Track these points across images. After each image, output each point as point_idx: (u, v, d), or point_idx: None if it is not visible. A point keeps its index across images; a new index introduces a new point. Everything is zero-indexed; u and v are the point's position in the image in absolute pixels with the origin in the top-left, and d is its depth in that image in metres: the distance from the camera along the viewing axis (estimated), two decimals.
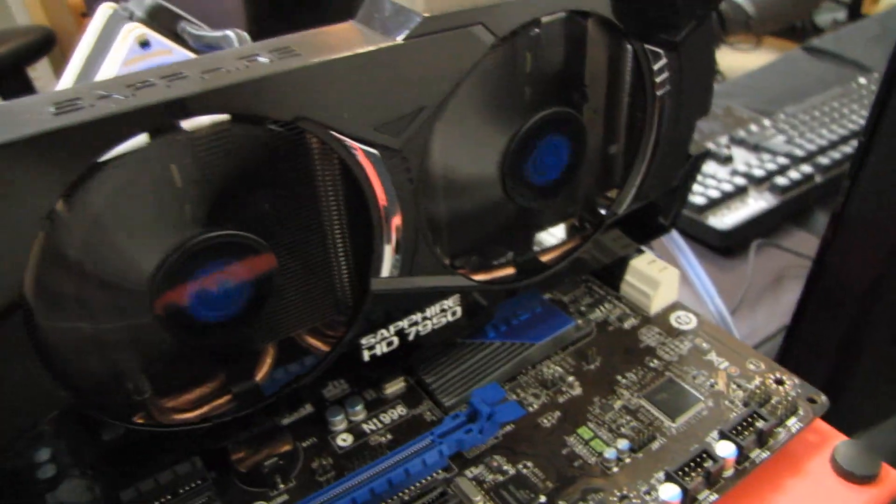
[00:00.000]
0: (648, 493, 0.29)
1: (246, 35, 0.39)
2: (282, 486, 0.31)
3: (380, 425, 0.34)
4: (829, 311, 0.43)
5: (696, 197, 0.98)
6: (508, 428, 0.33)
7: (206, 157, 0.25)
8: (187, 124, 0.24)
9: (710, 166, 1.07)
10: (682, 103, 0.35)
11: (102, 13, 0.62)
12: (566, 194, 0.35)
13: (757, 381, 0.33)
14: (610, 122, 0.35)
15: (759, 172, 1.03)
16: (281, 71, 0.24)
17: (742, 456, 0.30)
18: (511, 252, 0.36)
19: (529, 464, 0.31)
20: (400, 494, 0.30)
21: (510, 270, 0.35)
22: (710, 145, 1.10)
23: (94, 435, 0.28)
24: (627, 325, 0.38)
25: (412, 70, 0.27)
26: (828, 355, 0.43)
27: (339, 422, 0.33)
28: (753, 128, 1.19)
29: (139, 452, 0.30)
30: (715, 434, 0.31)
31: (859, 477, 0.30)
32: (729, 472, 0.29)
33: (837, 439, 0.32)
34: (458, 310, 0.33)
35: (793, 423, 0.31)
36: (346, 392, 0.35)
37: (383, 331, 0.31)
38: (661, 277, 0.37)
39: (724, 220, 0.95)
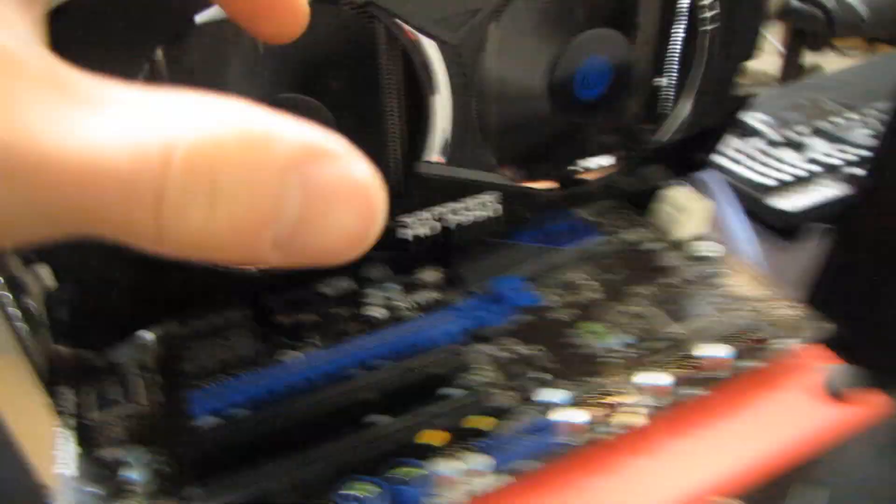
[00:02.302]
0: (642, 383, 0.32)
1: None
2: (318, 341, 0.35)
3: (413, 304, 0.37)
4: (849, 272, 0.44)
5: (765, 178, 0.97)
6: (528, 317, 0.36)
7: None
8: None
9: (784, 151, 1.07)
10: (730, 42, 0.37)
11: None
12: (610, 115, 0.38)
13: (769, 303, 0.36)
14: (657, 54, 0.38)
15: (835, 161, 1.02)
16: None
17: (738, 359, 0.32)
18: (554, 170, 0.39)
19: (542, 348, 0.34)
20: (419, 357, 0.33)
21: (551, 183, 0.38)
22: (788, 133, 1.10)
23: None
24: (655, 246, 0.40)
25: None
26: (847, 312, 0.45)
27: (375, 296, 0.37)
28: (838, 119, 1.17)
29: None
30: (710, 339, 0.34)
31: (843, 396, 0.32)
32: (723, 373, 0.32)
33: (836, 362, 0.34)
34: (499, 207, 0.36)
35: (790, 341, 0.34)
36: (387, 276, 0.39)
37: (425, 213, 0.34)
38: (693, 206, 0.40)
39: (792, 202, 0.94)
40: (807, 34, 3.12)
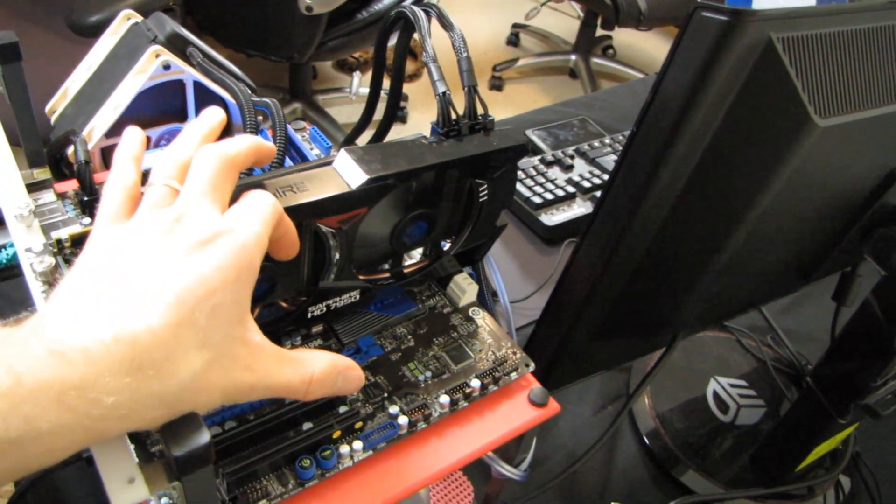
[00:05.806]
0: (437, 398, 0.61)
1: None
2: None
3: (308, 349, 0.64)
4: (558, 312, 0.75)
5: (536, 197, 1.28)
6: (374, 358, 0.64)
7: None
8: None
9: (554, 170, 1.38)
10: (493, 204, 0.66)
11: (124, 21, 0.87)
12: (426, 243, 0.66)
13: (503, 351, 0.66)
14: (454, 213, 0.66)
15: (586, 184, 1.34)
16: None
17: (483, 387, 0.62)
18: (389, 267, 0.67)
19: (382, 378, 0.63)
20: None
21: (388, 275, 0.66)
22: (559, 153, 1.40)
23: None
24: (445, 311, 0.69)
25: None
26: (551, 341, 0.76)
27: (287, 344, 0.64)
28: (596, 143, 1.47)
29: None
30: (474, 375, 0.64)
31: (538, 404, 0.63)
32: (476, 394, 0.62)
33: (536, 385, 0.65)
34: (357, 295, 0.64)
35: (514, 375, 0.64)
36: (292, 329, 0.66)
37: (321, 306, 0.62)
38: (468, 287, 0.69)
39: (553, 217, 1.26)
40: (598, 15, 3.55)
